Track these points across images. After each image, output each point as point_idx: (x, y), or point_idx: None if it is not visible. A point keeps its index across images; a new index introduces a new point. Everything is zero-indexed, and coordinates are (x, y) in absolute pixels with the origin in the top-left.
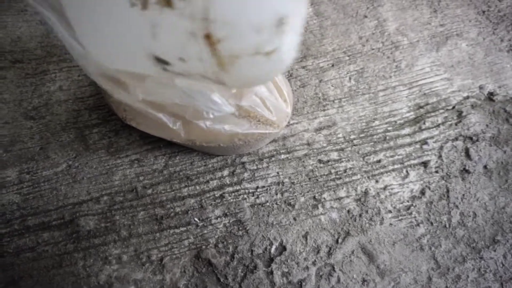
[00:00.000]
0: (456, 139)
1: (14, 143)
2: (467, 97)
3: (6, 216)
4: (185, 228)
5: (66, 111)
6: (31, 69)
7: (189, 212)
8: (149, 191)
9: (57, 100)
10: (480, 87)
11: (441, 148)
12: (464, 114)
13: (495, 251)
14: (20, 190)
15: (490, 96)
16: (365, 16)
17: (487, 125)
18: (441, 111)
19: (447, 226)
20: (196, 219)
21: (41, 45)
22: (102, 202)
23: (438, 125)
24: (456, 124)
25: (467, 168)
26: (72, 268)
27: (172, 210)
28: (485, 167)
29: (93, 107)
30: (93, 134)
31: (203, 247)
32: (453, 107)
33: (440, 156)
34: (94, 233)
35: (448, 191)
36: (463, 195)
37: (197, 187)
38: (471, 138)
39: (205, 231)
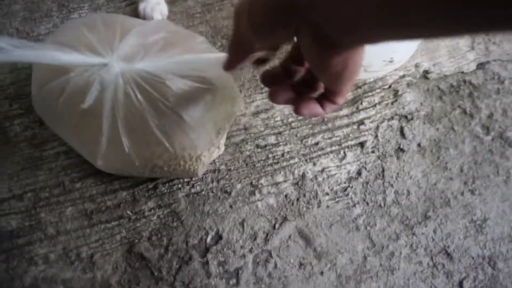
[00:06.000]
0: (392, 118)
1: None
2: (403, 76)
3: None
4: (117, 222)
5: None
6: None
7: (121, 205)
8: (78, 185)
9: None
10: (416, 65)
11: (377, 128)
12: (400, 93)
13: (426, 226)
14: None
15: (425, 74)
16: None
17: (421, 103)
18: (378, 90)
19: (382, 205)
20: (128, 212)
21: None
22: (25, 199)
23: (375, 105)
24: (392, 104)
25: (401, 147)
26: None
27: (103, 204)
28: (418, 145)
29: (14, 96)
30: (14, 126)
31: (136, 241)
32: (390, 86)
33: (376, 136)
34: (17, 233)
35: (383, 170)
36: (398, 173)
37: (130, 179)
38: (406, 117)
39: (138, 224)
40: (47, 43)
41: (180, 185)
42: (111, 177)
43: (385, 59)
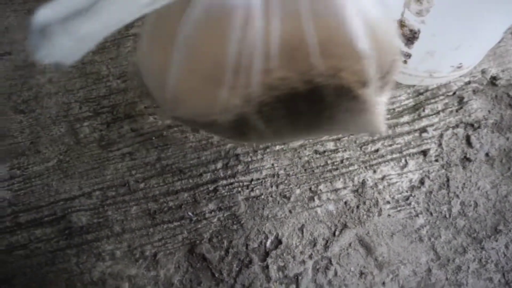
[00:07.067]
0: (457, 126)
1: (4, 137)
2: (469, 82)
3: None
4: (178, 223)
5: (56, 104)
6: (21, 61)
7: (182, 206)
8: (142, 185)
9: (47, 92)
10: (483, 71)
11: (441, 136)
12: (465, 100)
13: (496, 241)
14: (11, 186)
15: (493, 81)
16: None
17: (489, 111)
18: (441, 97)
19: (447, 216)
20: (189, 213)
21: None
22: (94, 197)
23: (438, 112)
24: (457, 111)
25: (468, 156)
26: (65, 265)
27: (165, 204)
28: (487, 154)
29: (84, 99)
30: (84, 128)
31: (197, 242)
32: (454, 93)
33: (440, 144)
34: (86, 229)
35: (448, 180)
36: (464, 184)
37: (191, 181)
38: (472, 125)
39: (199, 226)
40: None
41: (239, 188)
42: (173, 178)
43: (453, 64)
